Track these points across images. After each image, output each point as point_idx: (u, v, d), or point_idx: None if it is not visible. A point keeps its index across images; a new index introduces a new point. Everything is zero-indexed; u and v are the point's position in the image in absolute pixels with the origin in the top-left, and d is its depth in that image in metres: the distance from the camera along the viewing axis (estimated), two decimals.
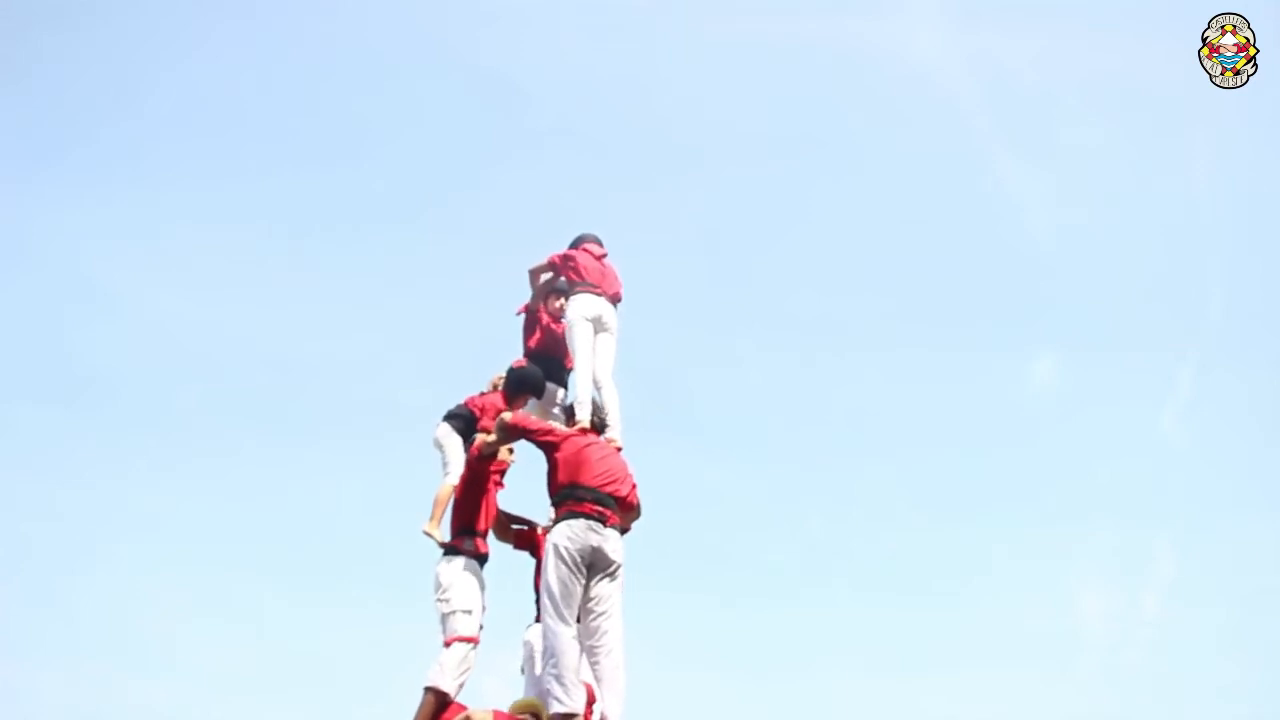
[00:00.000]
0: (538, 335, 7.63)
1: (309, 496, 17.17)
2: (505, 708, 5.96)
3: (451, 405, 7.27)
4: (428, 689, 6.04)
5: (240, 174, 20.23)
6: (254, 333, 19.12)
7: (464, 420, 7.12)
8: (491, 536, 6.71)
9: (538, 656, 6.28)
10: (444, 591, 6.31)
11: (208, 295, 19.58)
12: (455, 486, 6.71)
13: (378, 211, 20.19)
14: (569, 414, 6.91)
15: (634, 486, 6.30)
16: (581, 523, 5.92)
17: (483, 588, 6.43)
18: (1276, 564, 16.52)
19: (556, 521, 6.01)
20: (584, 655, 5.87)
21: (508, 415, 6.49)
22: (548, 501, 7.01)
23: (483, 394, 7.30)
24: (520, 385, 6.97)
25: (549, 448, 6.23)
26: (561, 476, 6.10)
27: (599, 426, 6.69)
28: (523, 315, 7.76)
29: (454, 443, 7.02)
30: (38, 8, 17.45)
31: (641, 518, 6.41)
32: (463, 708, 6.01)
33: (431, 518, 6.74)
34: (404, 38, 19.86)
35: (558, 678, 5.65)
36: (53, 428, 17.57)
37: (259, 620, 15.44)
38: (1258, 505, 16.75)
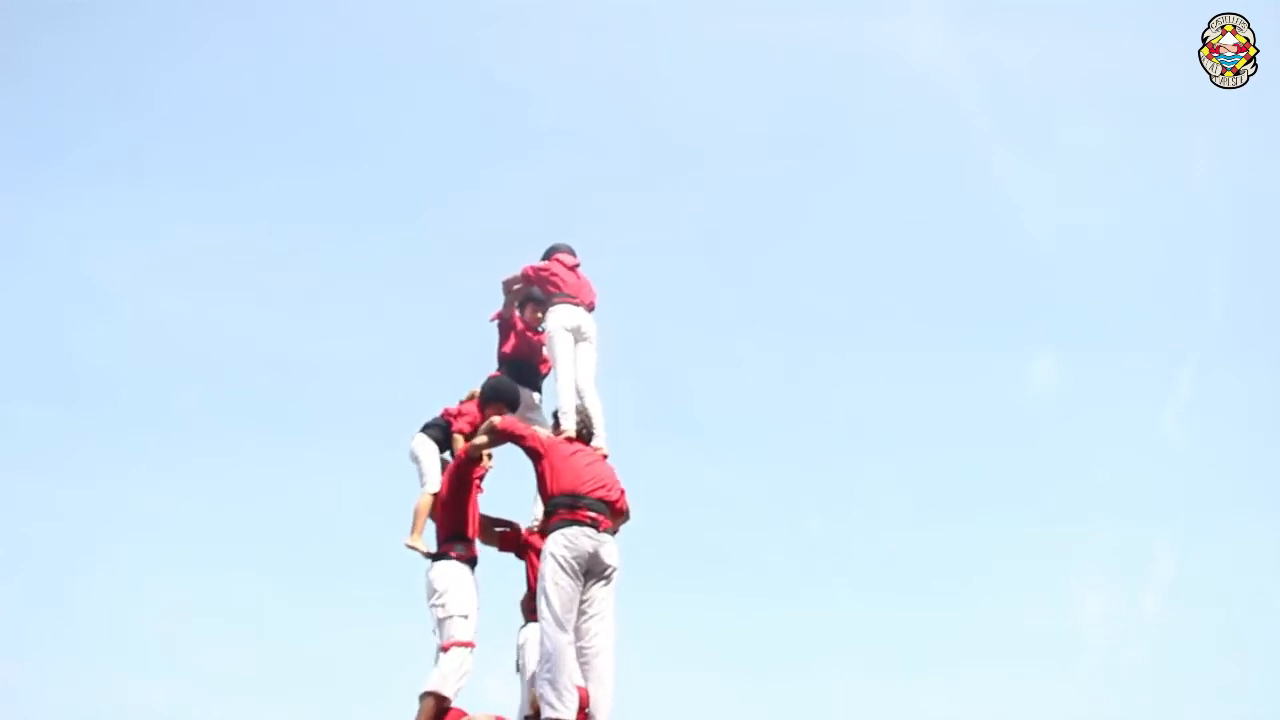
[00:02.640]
0: (512, 341, 7.68)
1: (309, 497, 17.19)
2: (504, 709, 5.99)
3: (430, 416, 7.26)
4: (427, 694, 6.05)
5: (240, 174, 20.26)
6: (254, 333, 19.14)
7: (441, 430, 7.14)
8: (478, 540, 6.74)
9: (531, 658, 6.31)
10: (439, 597, 6.31)
11: (207, 295, 19.60)
12: (436, 495, 6.73)
13: (378, 212, 20.21)
14: (555, 422, 6.94)
15: (623, 492, 6.34)
16: (576, 529, 5.97)
17: (476, 590, 6.44)
18: (1276, 564, 16.53)
19: (550, 529, 6.04)
20: (578, 656, 5.88)
21: (497, 419, 6.50)
22: (529, 504, 7.05)
23: (460, 403, 7.30)
24: (494, 396, 6.94)
25: (536, 455, 6.27)
26: (552, 484, 6.14)
27: (585, 436, 6.69)
28: (496, 323, 7.79)
29: (430, 452, 7.02)
30: (38, 8, 17.47)
31: (630, 521, 6.44)
32: (462, 713, 6.03)
33: (413, 530, 6.74)
34: (404, 39, 19.89)
35: (551, 683, 5.69)
36: (53, 428, 17.60)
37: (259, 621, 15.47)
38: (1258, 505, 16.75)
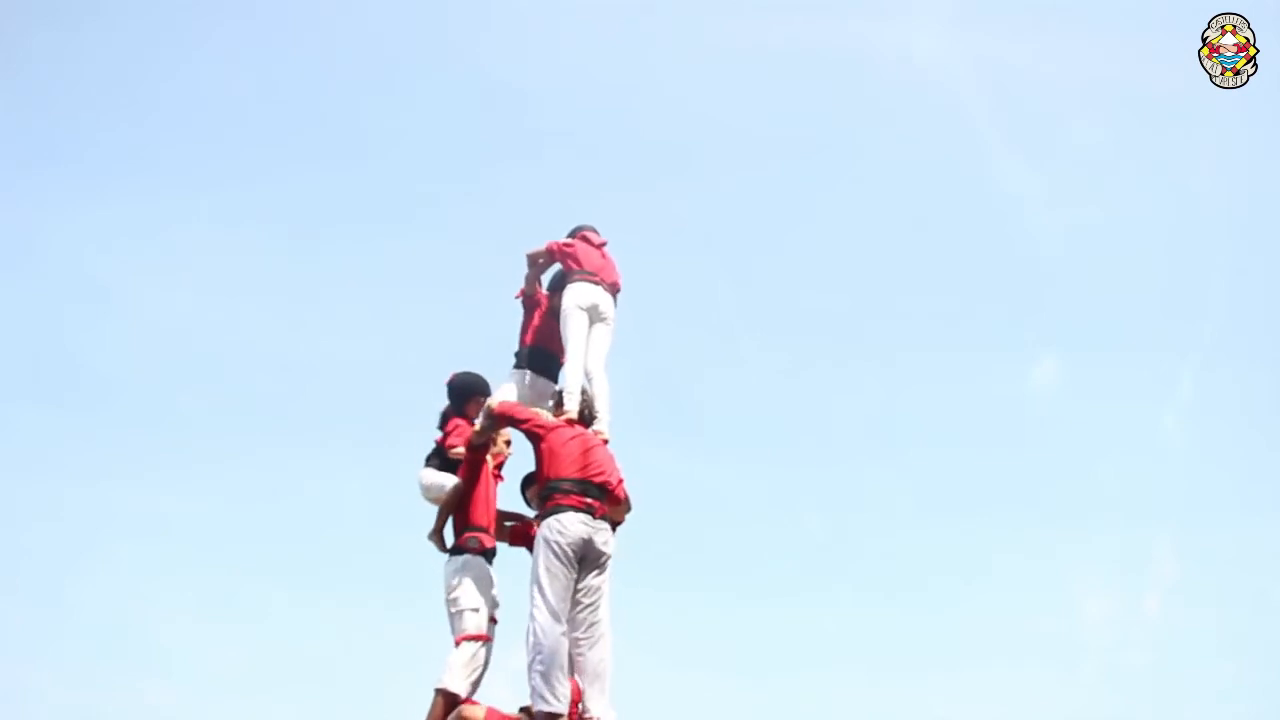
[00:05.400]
0: (535, 325, 7.40)
1: (309, 497, 17.18)
2: (507, 704, 5.97)
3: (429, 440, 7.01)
4: (437, 691, 6.01)
5: (242, 175, 20.24)
6: (254, 333, 19.13)
7: (440, 457, 6.88)
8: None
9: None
10: (451, 591, 6.27)
11: (209, 295, 19.59)
12: (456, 488, 6.60)
13: (378, 212, 20.21)
14: (558, 403, 6.78)
15: (621, 480, 6.24)
16: (571, 515, 5.88)
17: (491, 583, 6.39)
18: (1277, 564, 16.54)
19: (545, 514, 5.96)
20: (570, 647, 5.82)
21: (494, 402, 6.42)
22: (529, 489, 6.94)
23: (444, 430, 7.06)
24: (470, 391, 6.85)
25: (535, 437, 6.18)
26: (548, 468, 6.05)
27: (587, 418, 6.58)
28: (520, 300, 7.52)
29: (437, 473, 6.78)
30: (39, 7, 17.49)
31: (631, 511, 6.36)
32: (475, 703, 5.99)
33: (435, 526, 6.61)
34: (404, 39, 19.89)
35: (544, 675, 5.60)
36: (53, 428, 17.57)
37: (262, 622, 15.46)
38: (1258, 505, 16.76)
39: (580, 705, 5.75)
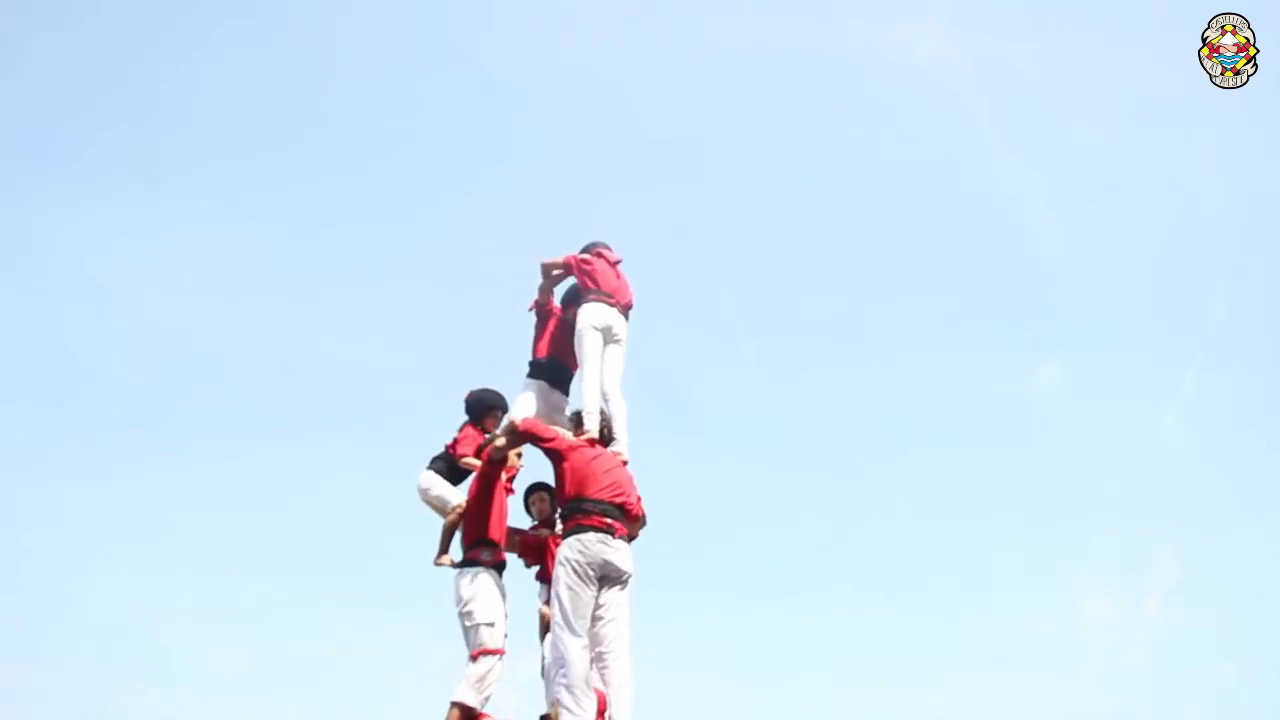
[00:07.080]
0: (548, 337, 7.34)
1: (309, 497, 17.20)
2: (523, 715, 6.00)
3: (431, 443, 7.08)
4: (453, 704, 6.05)
5: (241, 175, 20.27)
6: (253, 333, 19.16)
7: (445, 461, 6.96)
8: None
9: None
10: (465, 605, 6.29)
11: (209, 296, 19.61)
12: (460, 507, 6.61)
13: (378, 212, 20.22)
14: (576, 423, 6.82)
15: (639, 499, 6.33)
16: (591, 535, 5.96)
17: (504, 596, 6.41)
18: (1277, 564, 16.53)
19: (566, 534, 6.03)
20: (593, 661, 5.90)
21: (517, 419, 6.47)
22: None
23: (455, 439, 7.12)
24: (490, 406, 6.91)
25: (556, 456, 6.24)
26: (569, 488, 6.12)
27: (606, 438, 6.62)
28: (533, 311, 7.45)
29: (439, 481, 6.84)
30: (39, 7, 17.50)
31: (646, 526, 6.42)
32: (486, 715, 6.03)
33: (440, 550, 6.63)
34: (404, 39, 19.91)
35: (568, 688, 5.69)
36: (53, 428, 17.58)
37: (262, 622, 15.46)
38: (1258, 505, 16.76)
39: (608, 716, 5.82)
